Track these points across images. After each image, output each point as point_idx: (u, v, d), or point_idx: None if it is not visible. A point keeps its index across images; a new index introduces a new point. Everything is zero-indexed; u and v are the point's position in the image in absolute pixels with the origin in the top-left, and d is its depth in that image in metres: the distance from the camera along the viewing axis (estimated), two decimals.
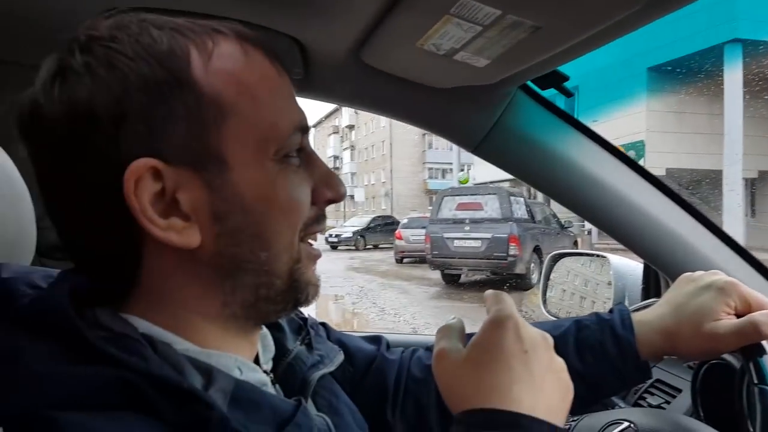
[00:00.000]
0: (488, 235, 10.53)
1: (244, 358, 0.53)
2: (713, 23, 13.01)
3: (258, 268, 0.49)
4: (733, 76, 12.75)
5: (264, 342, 0.61)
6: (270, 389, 0.55)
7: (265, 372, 0.57)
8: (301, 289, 0.53)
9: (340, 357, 0.69)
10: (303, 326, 0.69)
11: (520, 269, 10.30)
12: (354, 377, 0.76)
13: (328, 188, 0.54)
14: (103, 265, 0.48)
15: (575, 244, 12.82)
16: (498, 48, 0.78)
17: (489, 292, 0.57)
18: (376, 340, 0.83)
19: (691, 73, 14.67)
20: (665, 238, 1.04)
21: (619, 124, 15.65)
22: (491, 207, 10.89)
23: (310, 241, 0.55)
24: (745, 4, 13.10)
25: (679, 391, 1.08)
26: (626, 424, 0.79)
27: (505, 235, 10.32)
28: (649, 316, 0.74)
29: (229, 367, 0.50)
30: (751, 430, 0.61)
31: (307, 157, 0.54)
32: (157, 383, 0.41)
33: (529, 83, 1.02)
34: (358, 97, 1.11)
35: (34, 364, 0.41)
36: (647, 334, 0.72)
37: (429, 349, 0.80)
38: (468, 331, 0.57)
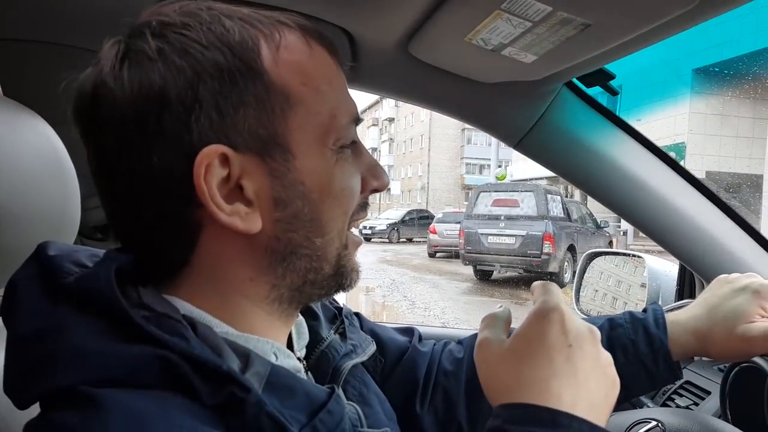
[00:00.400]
0: (523, 233, 10.41)
1: (280, 344, 0.53)
2: (762, 26, 12.57)
3: (311, 254, 0.51)
4: None
5: (299, 329, 0.62)
6: (303, 376, 0.55)
7: (298, 359, 0.57)
8: (345, 275, 0.54)
9: (372, 347, 0.69)
10: (337, 315, 0.69)
11: (553, 267, 10.16)
12: (385, 368, 0.77)
13: (374, 178, 0.56)
14: (158, 247, 0.49)
15: (610, 243, 12.56)
16: (546, 44, 0.79)
17: (537, 282, 0.56)
18: (408, 331, 0.83)
19: (737, 75, 14.21)
20: (702, 239, 1.05)
21: (660, 125, 15.29)
22: (527, 204, 10.76)
23: (352, 228, 0.56)
24: None
25: (708, 393, 1.08)
26: (654, 423, 0.80)
27: (540, 233, 10.19)
28: (683, 316, 0.74)
29: (266, 351, 0.50)
30: None
31: (357, 148, 0.55)
32: (196, 364, 0.41)
33: (575, 80, 1.02)
34: (404, 90, 1.12)
35: (77, 341, 0.41)
36: (680, 334, 0.73)
37: (460, 342, 0.82)
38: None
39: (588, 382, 0.47)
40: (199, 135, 0.45)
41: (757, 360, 0.78)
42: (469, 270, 11.77)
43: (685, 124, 15.14)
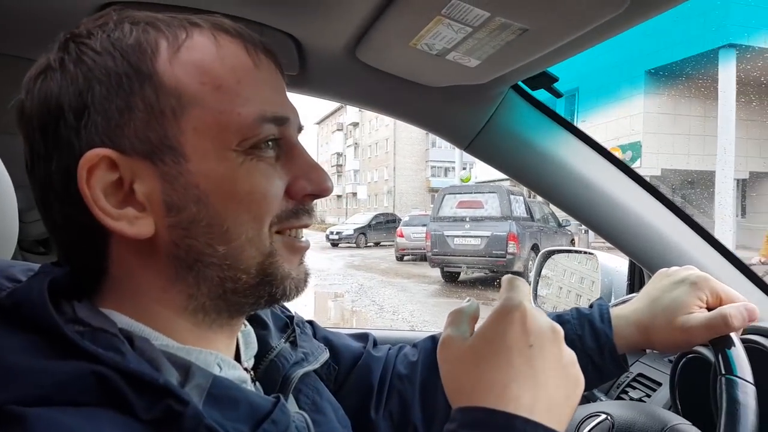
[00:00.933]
0: (488, 233, 10.60)
1: (224, 355, 0.52)
2: (709, 28, 13.10)
3: (219, 262, 0.48)
4: (727, 79, 12.85)
5: (246, 339, 0.61)
6: (249, 386, 0.54)
7: (245, 369, 0.56)
8: (275, 284, 0.51)
9: (325, 355, 0.69)
10: (289, 324, 0.69)
11: (517, 267, 10.34)
12: (339, 375, 0.76)
13: (308, 182, 0.53)
14: (74, 255, 0.49)
15: (572, 242, 12.84)
16: (488, 49, 0.80)
17: (506, 277, 0.55)
18: (363, 337, 0.84)
19: (688, 76, 14.71)
20: (648, 235, 1.08)
21: (617, 125, 15.69)
22: (491, 205, 10.97)
23: (292, 233, 0.54)
24: (739, 10, 13.18)
25: (660, 384, 1.11)
26: (603, 416, 0.81)
27: (504, 233, 10.41)
28: (626, 310, 0.76)
29: (209, 363, 0.50)
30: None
31: (288, 150, 0.52)
32: (132, 379, 0.40)
33: (521, 83, 1.03)
34: (353, 95, 1.12)
35: (8, 359, 0.40)
36: (624, 327, 0.75)
37: (415, 346, 0.83)
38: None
39: (548, 383, 0.46)
40: (87, 140, 0.45)
41: (702, 350, 0.79)
42: (436, 272, 11.88)
43: (640, 123, 15.56)
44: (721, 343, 0.66)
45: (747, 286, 1.06)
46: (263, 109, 0.50)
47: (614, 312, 0.76)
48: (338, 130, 53.37)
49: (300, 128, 0.56)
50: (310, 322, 0.78)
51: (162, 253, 0.48)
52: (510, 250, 10.33)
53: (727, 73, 12.89)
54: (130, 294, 0.49)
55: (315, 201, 0.56)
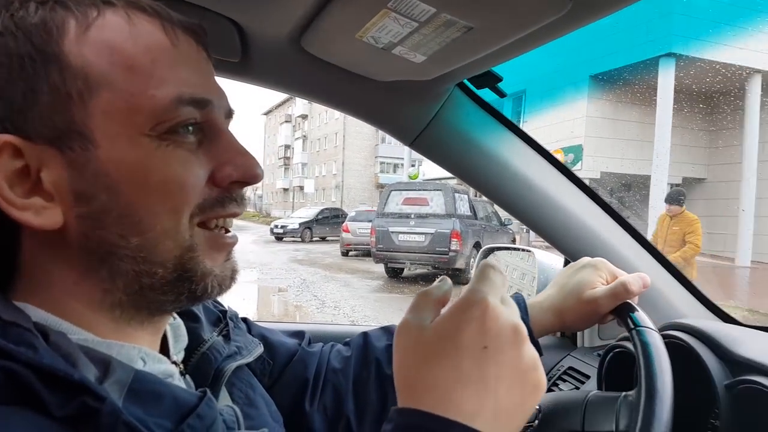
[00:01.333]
0: (432, 230, 10.73)
1: (149, 349, 0.50)
2: (650, 37, 13.66)
3: (133, 254, 0.46)
4: (665, 87, 13.46)
5: (176, 332, 0.59)
6: (177, 380, 0.53)
7: (174, 363, 0.55)
8: (195, 280, 0.49)
9: (259, 349, 0.69)
10: (222, 318, 0.68)
11: (460, 264, 10.54)
12: (274, 370, 0.77)
13: (235, 168, 0.50)
14: None
15: (513, 240, 13.17)
16: (433, 45, 0.80)
17: (482, 263, 0.51)
18: (299, 334, 0.86)
19: (629, 82, 15.31)
20: (583, 235, 1.12)
21: (561, 128, 16.15)
22: (436, 203, 11.09)
23: (216, 226, 0.52)
24: (680, 20, 13.81)
25: (588, 377, 1.16)
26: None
27: (448, 231, 10.54)
28: (540, 298, 0.84)
29: (132, 357, 0.48)
30: (639, 375, 0.65)
31: (212, 135, 0.50)
32: (44, 375, 0.38)
33: (466, 82, 1.04)
34: (297, 85, 1.09)
35: None
36: (539, 313, 0.81)
37: (347, 343, 0.86)
38: None
39: (499, 389, 0.43)
40: None
41: (626, 344, 0.87)
42: (380, 268, 11.92)
43: (582, 127, 16.05)
44: (625, 309, 0.75)
45: (673, 283, 1.14)
46: (181, 91, 0.47)
47: (530, 301, 0.82)
48: (286, 121, 52.77)
49: (229, 113, 0.53)
50: (245, 319, 0.78)
51: (73, 245, 0.45)
52: (453, 247, 10.48)
53: (666, 80, 13.46)
54: (43, 288, 0.46)
55: (245, 189, 0.54)
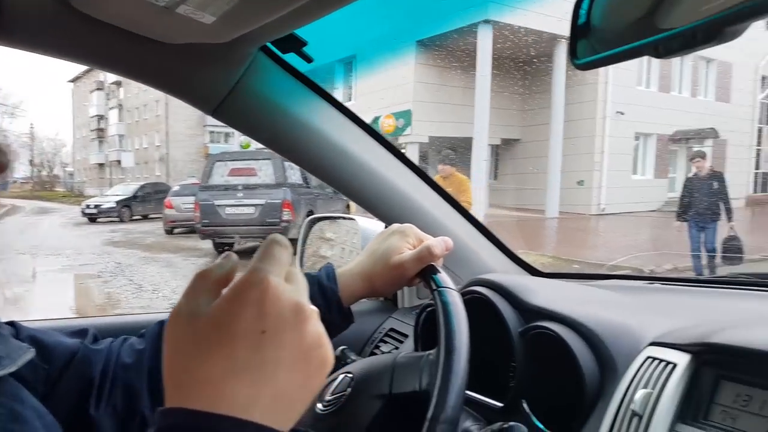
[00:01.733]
0: (262, 201, 10.45)
1: None
2: (469, 2, 14.25)
3: None
4: (484, 53, 14.30)
5: None
6: None
7: None
8: None
9: (28, 355, 0.64)
10: None
11: (293, 234, 10.20)
12: (50, 374, 0.72)
13: None
14: None
15: (347, 207, 13.14)
16: (221, 4, 0.75)
17: (269, 237, 0.45)
18: (81, 332, 0.80)
19: (452, 48, 15.95)
20: (396, 200, 1.16)
21: (392, 93, 16.45)
22: (265, 172, 10.77)
23: None
24: None
25: (407, 336, 1.23)
26: (342, 375, 0.83)
27: (279, 201, 10.35)
28: (350, 265, 0.85)
29: None
30: (439, 333, 0.67)
31: None
32: None
33: (270, 46, 1.01)
34: (72, 49, 0.97)
35: None
36: (348, 279, 0.83)
37: (142, 335, 0.81)
38: None
39: (278, 373, 0.40)
40: None
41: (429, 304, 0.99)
42: (208, 244, 11.46)
43: (411, 92, 16.49)
44: (429, 272, 0.78)
45: (483, 241, 1.25)
46: None
47: (340, 270, 0.84)
48: (98, 89, 47.50)
49: None
50: (11, 323, 0.72)
51: None
52: (285, 217, 10.28)
53: (484, 46, 14.20)
54: None
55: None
